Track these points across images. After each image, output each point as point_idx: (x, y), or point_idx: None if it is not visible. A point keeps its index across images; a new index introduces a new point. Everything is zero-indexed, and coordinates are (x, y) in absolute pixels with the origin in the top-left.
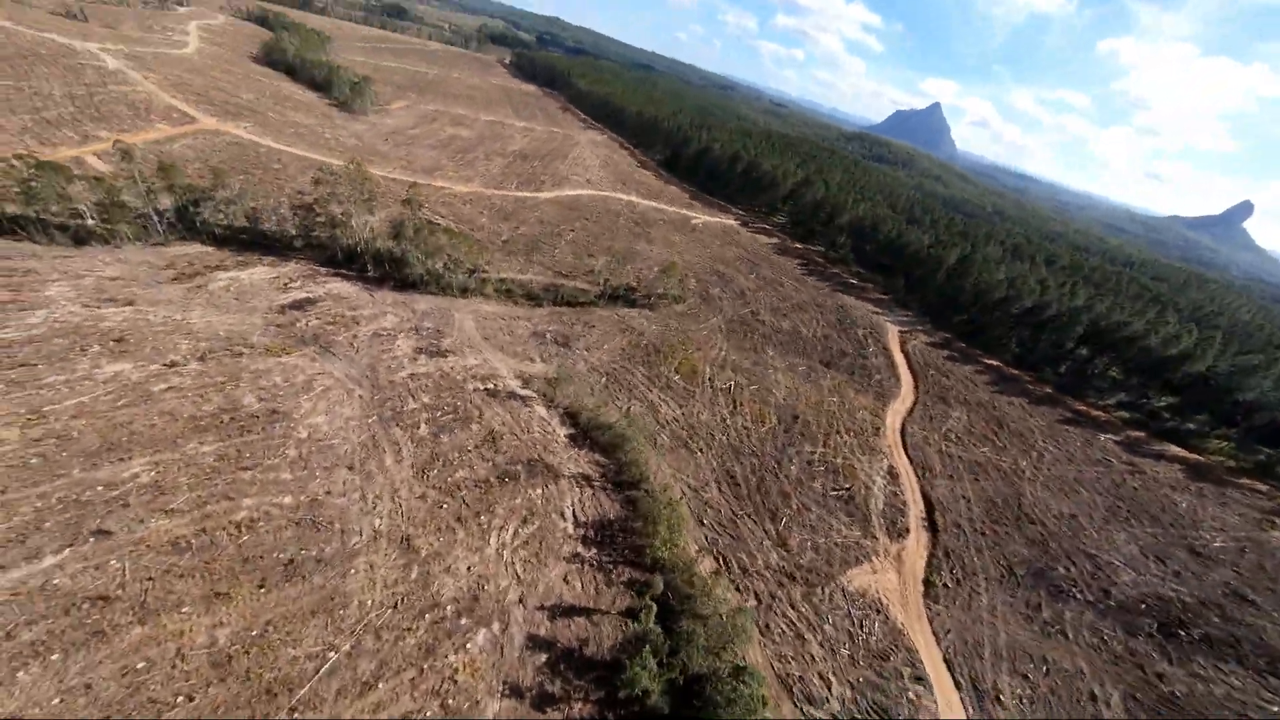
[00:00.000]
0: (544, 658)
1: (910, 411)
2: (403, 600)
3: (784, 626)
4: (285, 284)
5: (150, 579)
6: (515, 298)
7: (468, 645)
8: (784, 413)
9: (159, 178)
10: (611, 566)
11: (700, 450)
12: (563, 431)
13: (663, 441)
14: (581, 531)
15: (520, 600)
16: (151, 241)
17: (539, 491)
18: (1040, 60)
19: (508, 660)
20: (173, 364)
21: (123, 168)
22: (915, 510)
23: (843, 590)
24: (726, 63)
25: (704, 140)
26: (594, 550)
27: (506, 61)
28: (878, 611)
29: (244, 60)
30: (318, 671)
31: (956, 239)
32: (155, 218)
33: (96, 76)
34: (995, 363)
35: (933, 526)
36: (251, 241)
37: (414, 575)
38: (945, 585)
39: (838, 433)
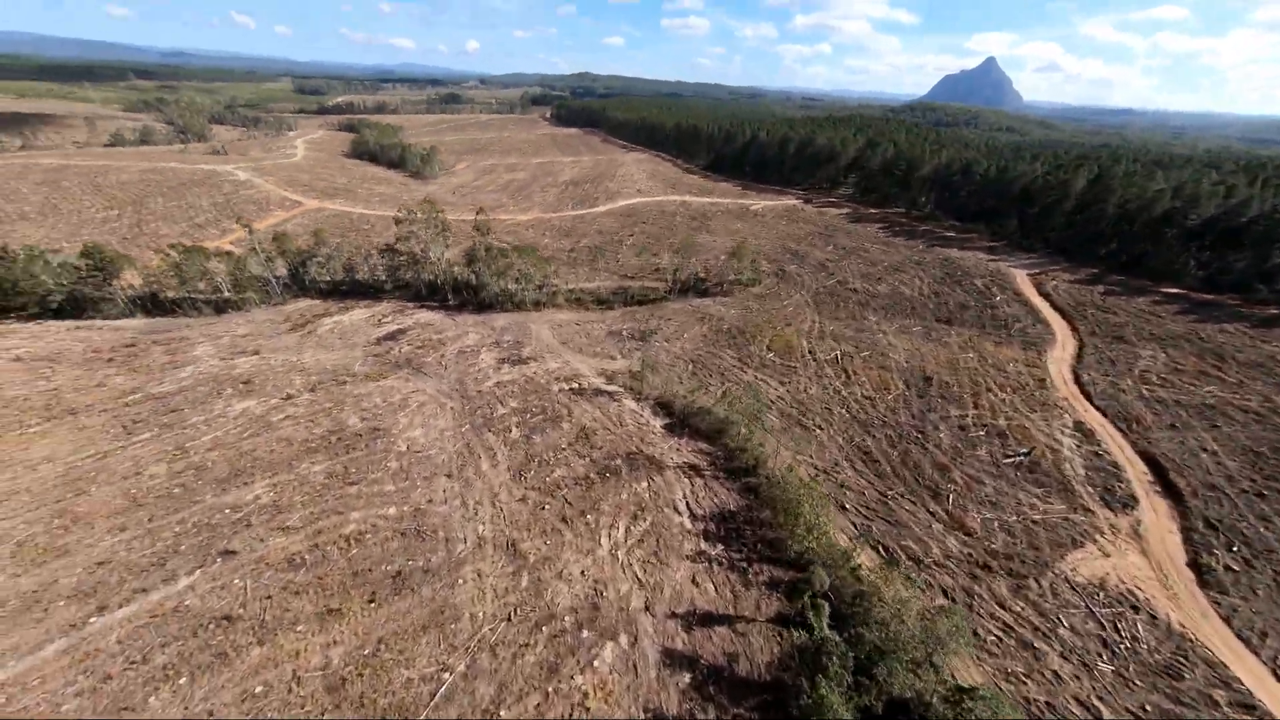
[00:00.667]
0: (687, 678)
1: (1078, 357)
2: (516, 611)
3: (998, 633)
4: (379, 320)
5: (269, 596)
6: (586, 304)
7: (595, 663)
8: (910, 376)
9: (275, 247)
10: (745, 564)
11: (819, 427)
12: (657, 422)
13: (771, 422)
14: (701, 526)
15: (646, 607)
16: (273, 302)
17: (644, 485)
18: None
19: (644, 681)
20: (289, 397)
21: (248, 245)
22: (1135, 472)
23: (1068, 581)
24: (751, 75)
25: (748, 134)
26: (720, 546)
27: (548, 115)
28: (1134, 608)
29: (338, 157)
30: (433, 696)
31: (1073, 166)
32: (274, 282)
33: (231, 187)
34: (1177, 290)
35: (1171, 491)
36: (350, 290)
37: (524, 583)
38: (1229, 568)
39: (989, 390)
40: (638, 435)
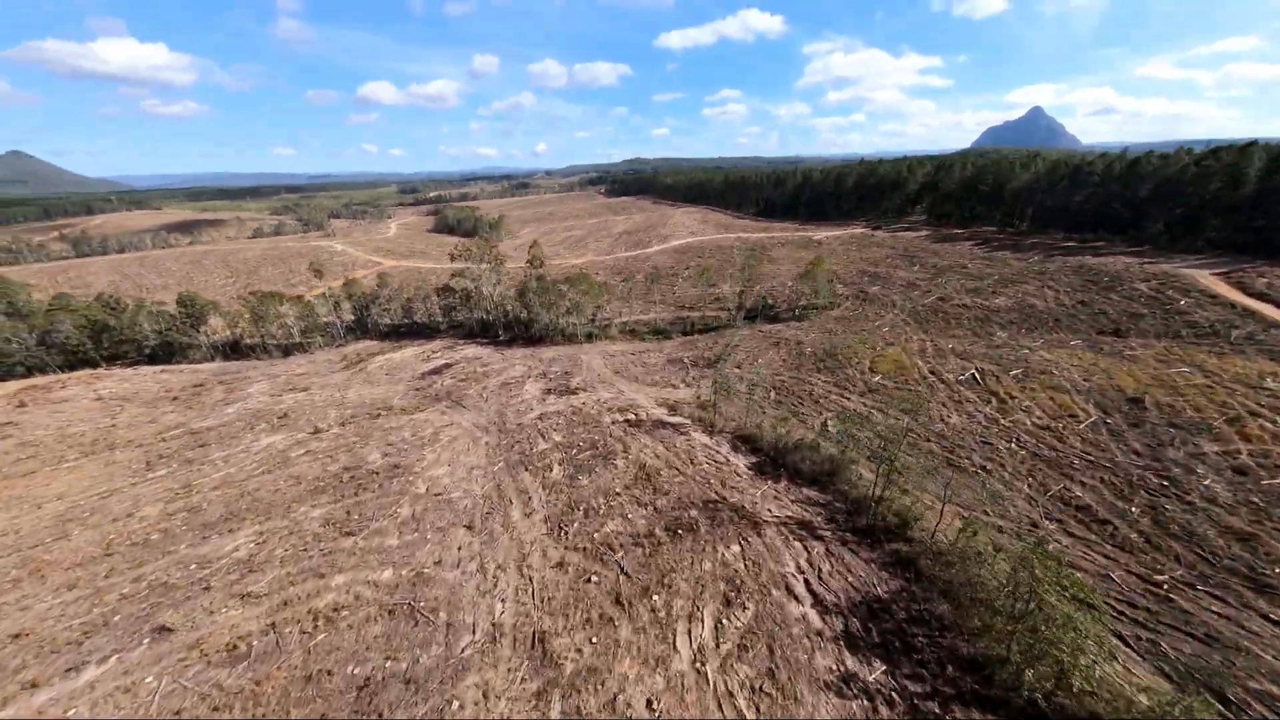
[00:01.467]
0: None
1: None
2: None
3: None
4: (428, 356)
5: (178, 713)
6: (641, 335)
7: None
8: (1103, 398)
9: (344, 292)
10: (935, 709)
11: (982, 468)
12: (740, 461)
13: (906, 461)
14: (838, 623)
15: None
16: (335, 344)
17: (735, 549)
18: (1160, 25)
19: None
20: (317, 431)
21: (321, 293)
22: None
23: None
24: (788, 145)
25: (799, 177)
26: (878, 666)
27: (602, 190)
28: None
29: (422, 233)
30: None
31: (1239, 151)
32: (338, 325)
33: (327, 255)
34: None
35: None
36: (408, 331)
37: (555, 714)
38: None
39: (1254, 415)
40: (716, 477)
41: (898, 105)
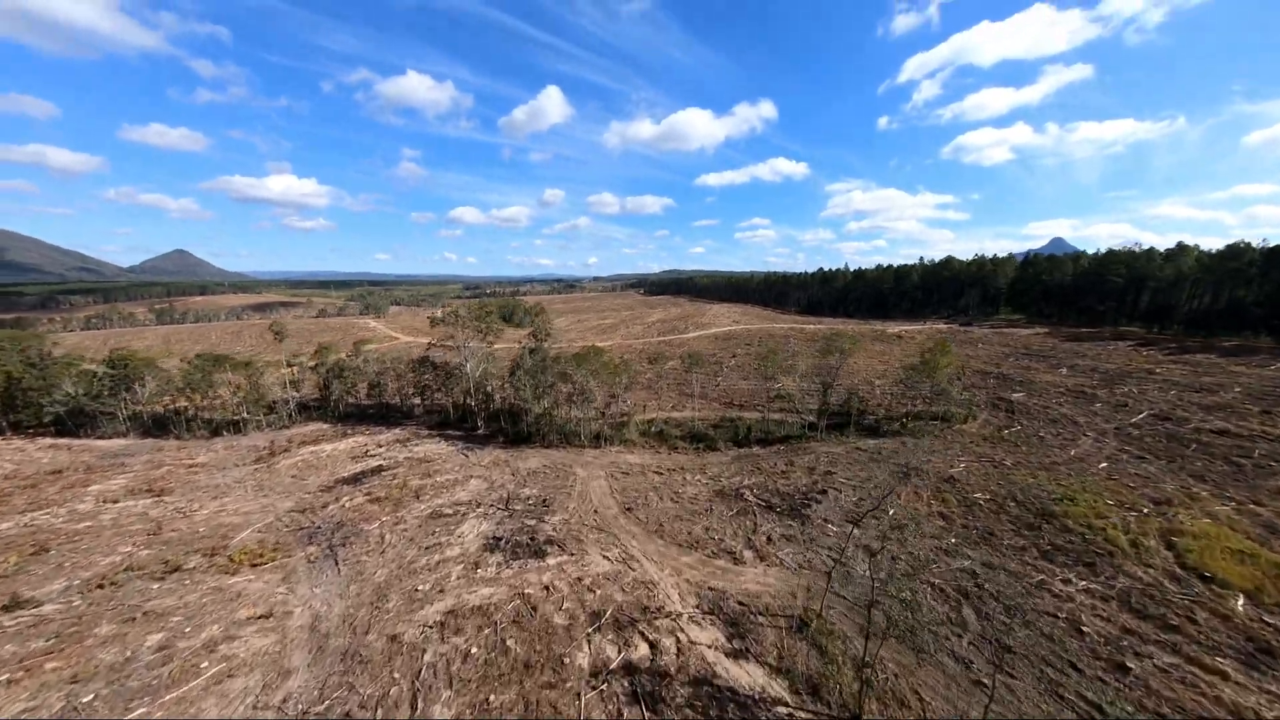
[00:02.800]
0: None
1: None
2: None
3: None
4: (365, 452)
5: None
6: (671, 440)
7: None
8: None
9: (316, 358)
10: None
11: None
12: None
13: None
14: None
15: None
16: (280, 425)
17: None
18: (1163, 175)
19: None
20: (16, 604)
21: (286, 361)
22: None
23: None
24: (815, 264)
25: (849, 275)
26: None
27: (640, 291)
28: None
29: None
30: None
31: None
32: (290, 401)
33: (356, 330)
34: None
35: None
36: (375, 414)
37: None
38: None
39: None
40: None
41: (918, 234)
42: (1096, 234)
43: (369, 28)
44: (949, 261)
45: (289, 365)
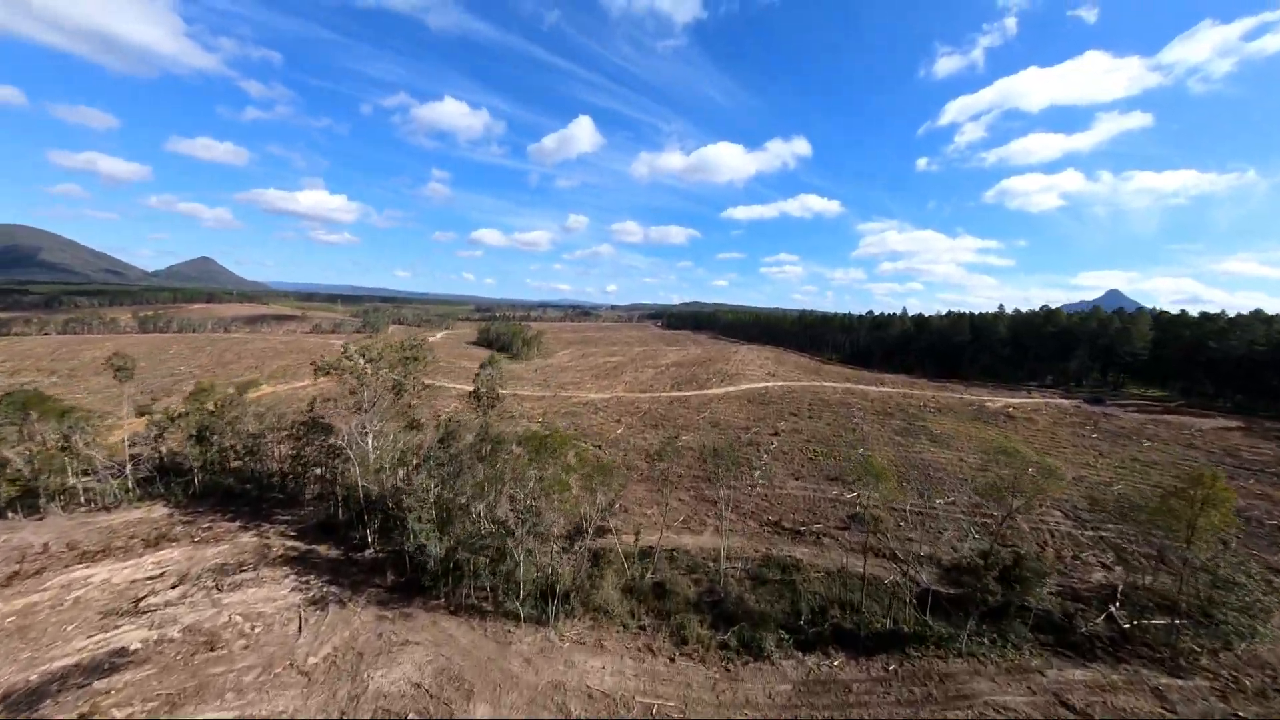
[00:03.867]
0: None
1: None
2: None
3: None
4: (149, 591)
5: None
6: (679, 622)
7: None
8: None
9: (192, 402)
10: None
11: None
12: None
13: None
14: None
15: None
16: (100, 505)
17: None
18: (1230, 230)
19: None
20: None
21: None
22: None
23: None
24: (844, 304)
25: (908, 322)
26: None
27: (658, 324)
28: None
29: (461, 343)
30: None
31: None
32: (126, 471)
33: (327, 352)
34: None
35: None
36: (247, 496)
37: None
38: None
39: None
40: None
41: (956, 278)
42: (1156, 288)
43: (411, 57)
44: (1054, 314)
45: (143, 415)
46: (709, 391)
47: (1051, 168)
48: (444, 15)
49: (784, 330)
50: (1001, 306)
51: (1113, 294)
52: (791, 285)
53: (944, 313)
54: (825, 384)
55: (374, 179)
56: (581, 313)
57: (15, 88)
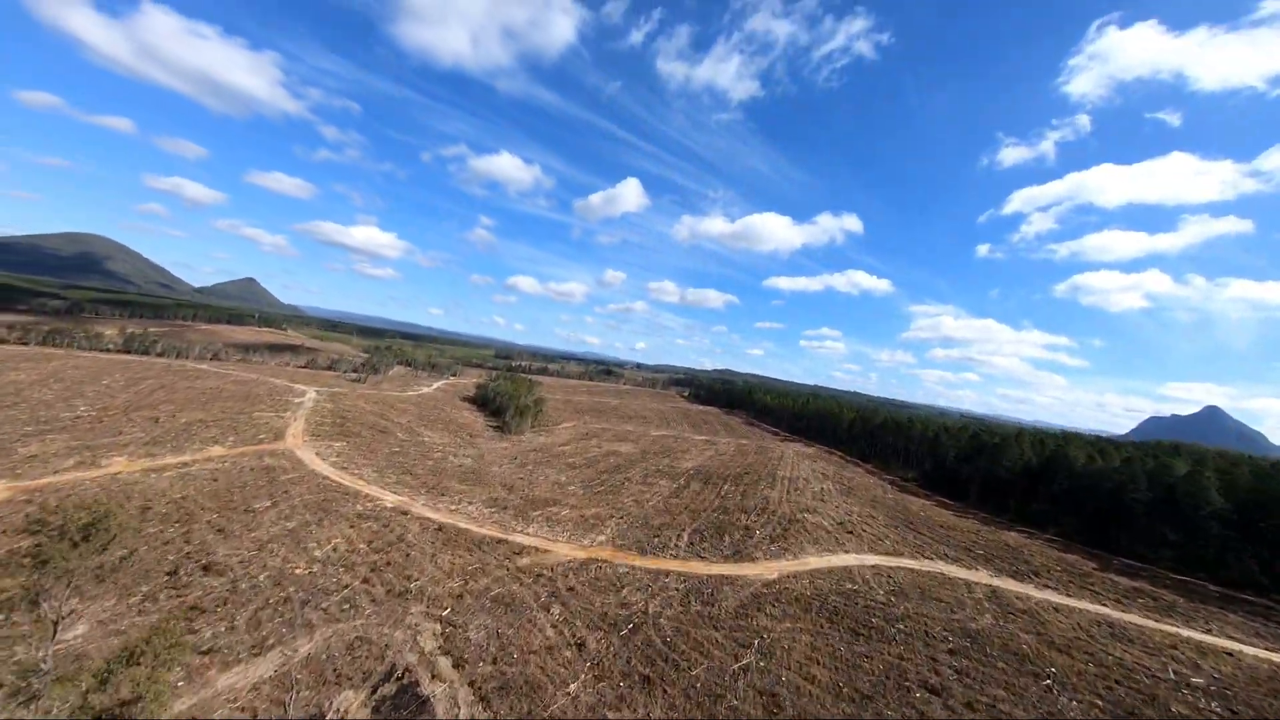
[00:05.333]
0: None
1: None
2: None
3: None
4: None
5: None
6: None
7: None
8: None
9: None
10: None
11: None
12: None
13: None
14: None
15: None
16: None
17: None
18: None
19: None
20: None
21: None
22: None
23: None
24: (888, 388)
25: (1024, 449)
26: None
27: (685, 394)
28: None
29: (454, 399)
30: None
31: None
32: None
33: (269, 403)
34: None
35: None
36: None
37: None
38: None
39: None
40: None
41: (1020, 373)
42: (1265, 408)
43: (476, 116)
44: None
45: None
46: (751, 570)
47: (1132, 266)
48: (513, 82)
49: (835, 427)
50: (1201, 464)
51: (1211, 411)
52: (832, 362)
53: (1083, 438)
54: (955, 572)
55: (423, 220)
56: (604, 370)
57: (128, 119)
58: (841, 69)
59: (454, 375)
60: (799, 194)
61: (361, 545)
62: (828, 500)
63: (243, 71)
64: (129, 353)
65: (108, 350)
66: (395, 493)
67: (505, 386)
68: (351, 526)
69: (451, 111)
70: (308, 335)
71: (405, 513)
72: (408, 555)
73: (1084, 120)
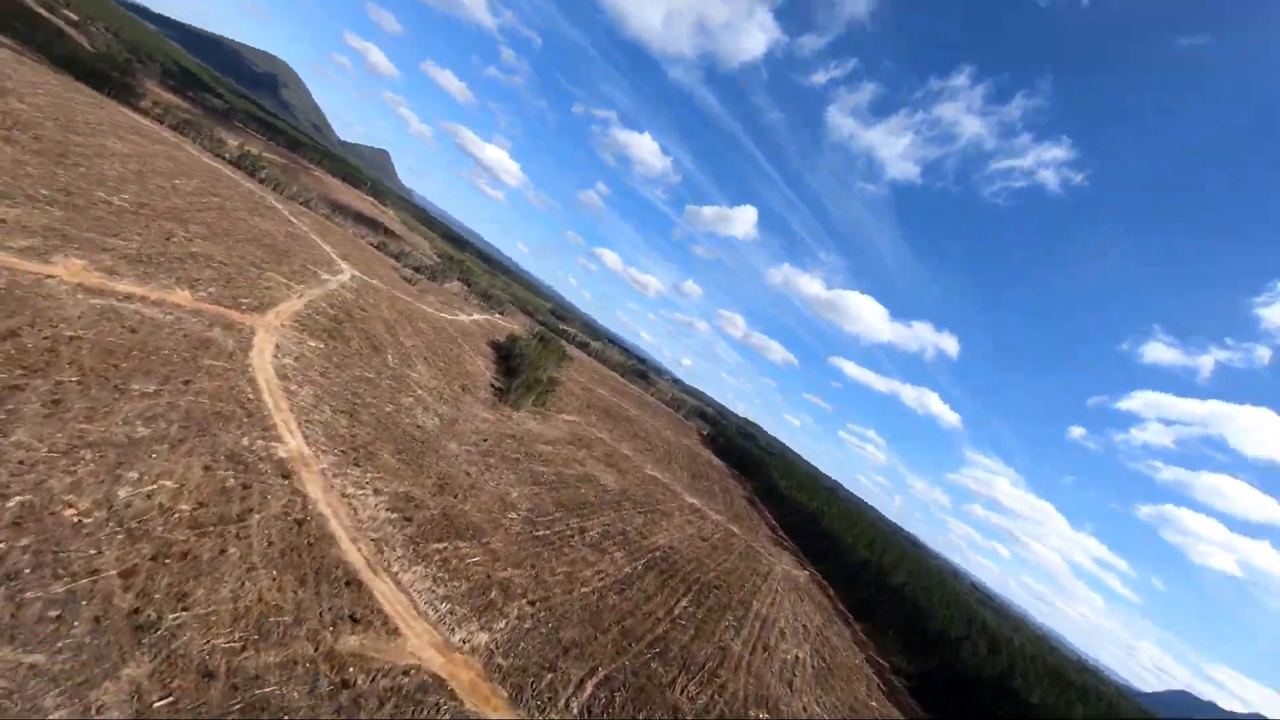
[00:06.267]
0: None
1: None
2: None
3: None
4: None
5: None
6: None
7: None
8: None
9: None
10: None
11: None
12: None
13: None
14: None
15: None
16: None
17: None
18: None
19: None
20: None
21: None
22: None
23: None
24: (910, 520)
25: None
26: None
27: (704, 432)
28: None
29: (479, 338)
30: None
31: None
32: None
33: (300, 265)
34: None
35: None
36: None
37: None
38: None
39: None
40: None
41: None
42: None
43: (637, 92)
44: None
45: None
46: None
47: (1243, 528)
48: (684, 73)
49: (843, 550)
50: None
51: None
52: (863, 463)
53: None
54: None
55: (549, 163)
56: (640, 372)
57: None
58: (1015, 189)
59: (501, 313)
60: (908, 291)
61: (186, 501)
62: (796, 690)
63: None
64: (237, 167)
65: (222, 158)
66: (309, 436)
67: (532, 351)
68: (206, 467)
69: (617, 78)
70: (400, 219)
71: (289, 476)
72: (221, 552)
73: (1263, 353)
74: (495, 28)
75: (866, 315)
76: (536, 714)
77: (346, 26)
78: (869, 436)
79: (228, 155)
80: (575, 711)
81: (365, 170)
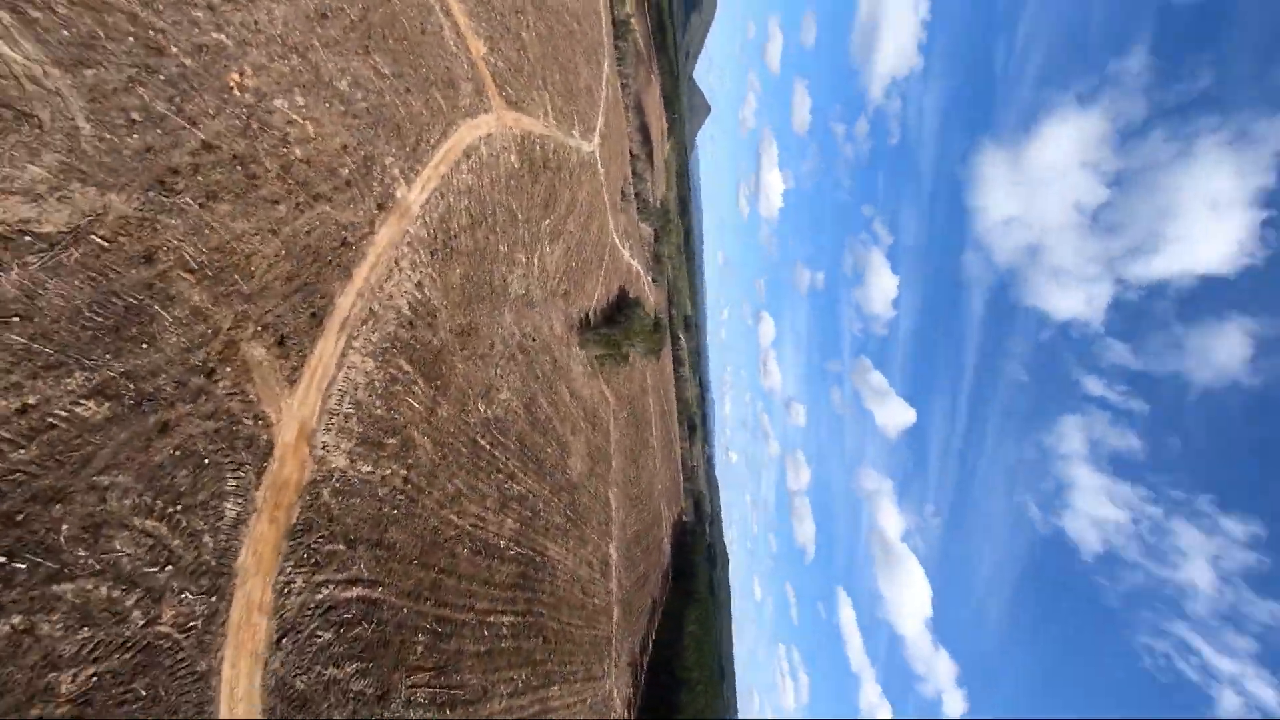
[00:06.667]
0: None
1: None
2: None
3: None
4: None
5: None
6: None
7: None
8: None
9: None
10: None
11: None
12: None
13: None
14: None
15: None
16: None
17: None
18: None
19: None
20: None
21: None
22: None
23: None
24: None
25: None
26: None
27: (683, 516)
28: None
29: (615, 279)
30: None
31: None
32: None
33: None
34: None
35: None
36: None
37: None
38: None
39: None
40: None
41: None
42: None
43: None
44: None
45: None
46: None
47: None
48: None
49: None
50: None
51: None
52: None
53: None
54: None
55: (810, 226)
56: (691, 424)
57: None
58: None
59: (653, 280)
60: None
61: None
62: None
63: None
64: (613, 22)
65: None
66: (429, 201)
67: (640, 322)
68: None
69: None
70: (665, 157)
71: (383, 209)
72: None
73: None
74: None
75: None
76: (291, 567)
77: None
78: None
79: (616, 11)
80: (319, 598)
81: (681, 106)
